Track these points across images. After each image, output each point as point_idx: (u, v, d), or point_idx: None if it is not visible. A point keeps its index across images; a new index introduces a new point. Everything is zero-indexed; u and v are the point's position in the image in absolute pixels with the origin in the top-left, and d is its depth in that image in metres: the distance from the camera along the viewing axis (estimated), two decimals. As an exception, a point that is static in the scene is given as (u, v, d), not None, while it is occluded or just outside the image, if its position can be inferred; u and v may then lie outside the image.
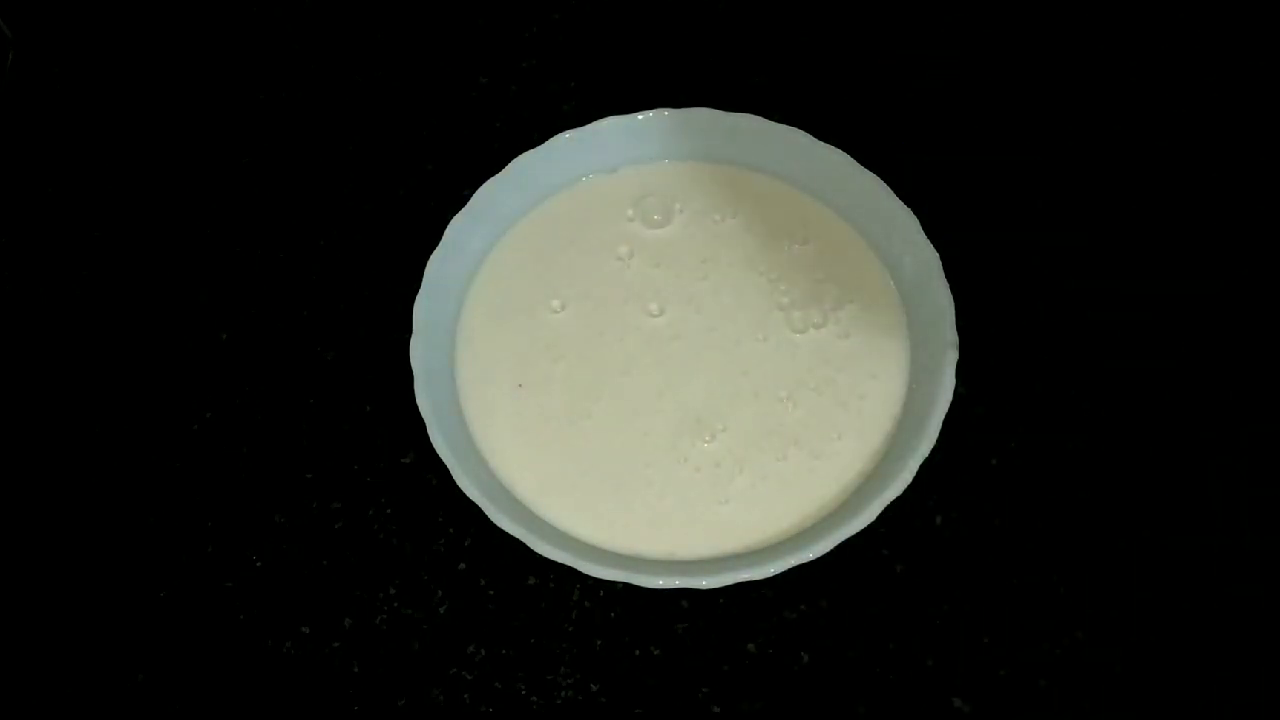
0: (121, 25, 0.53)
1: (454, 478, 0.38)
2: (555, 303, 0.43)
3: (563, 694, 0.38)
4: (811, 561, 0.36)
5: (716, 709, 0.38)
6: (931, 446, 0.38)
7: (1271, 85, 0.49)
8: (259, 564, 0.41)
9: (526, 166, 0.44)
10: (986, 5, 0.52)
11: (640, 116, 0.44)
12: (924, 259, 0.41)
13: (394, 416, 0.42)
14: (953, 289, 0.40)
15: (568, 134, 0.44)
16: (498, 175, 0.43)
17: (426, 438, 0.38)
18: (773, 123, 0.44)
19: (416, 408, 0.39)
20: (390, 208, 0.48)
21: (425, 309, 0.41)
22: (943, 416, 0.38)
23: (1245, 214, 0.46)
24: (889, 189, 0.42)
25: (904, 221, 0.42)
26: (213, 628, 0.40)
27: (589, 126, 0.44)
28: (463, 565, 0.41)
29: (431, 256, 0.42)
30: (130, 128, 0.51)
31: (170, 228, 0.48)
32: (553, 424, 0.41)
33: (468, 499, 0.37)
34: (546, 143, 0.44)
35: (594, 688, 0.38)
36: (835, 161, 0.43)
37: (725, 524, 0.39)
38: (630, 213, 0.45)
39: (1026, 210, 0.47)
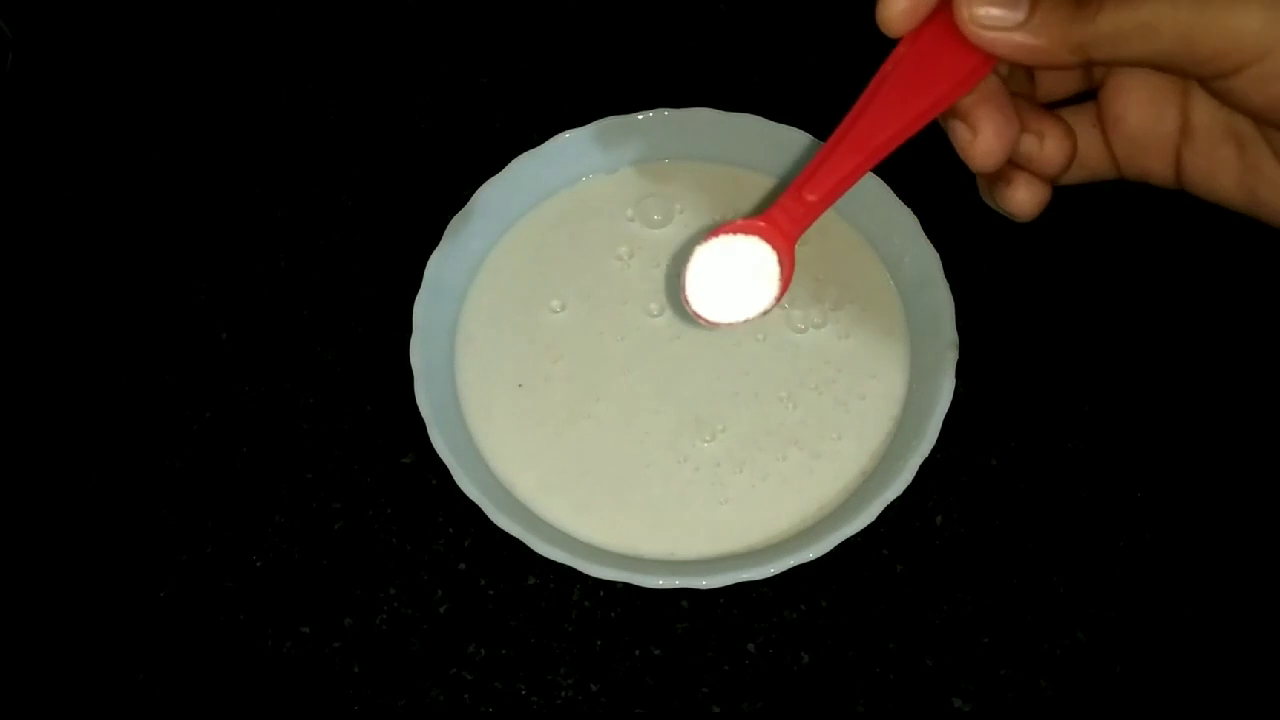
0: (121, 25, 0.54)
1: (454, 478, 0.38)
2: (555, 303, 0.43)
3: (563, 694, 0.38)
4: (811, 561, 0.36)
5: (716, 709, 0.38)
6: (931, 446, 0.38)
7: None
8: (259, 564, 0.41)
9: (526, 166, 0.44)
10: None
11: (640, 116, 0.44)
12: (924, 259, 0.41)
13: (394, 416, 0.42)
14: (953, 289, 0.40)
15: (568, 134, 0.44)
16: (498, 175, 0.43)
17: (426, 438, 0.38)
18: (773, 123, 0.44)
19: (416, 408, 0.39)
20: (390, 208, 0.48)
21: (425, 309, 0.41)
22: (943, 416, 0.38)
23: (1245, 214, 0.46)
24: (889, 189, 0.42)
25: (904, 221, 0.42)
26: (213, 628, 0.40)
27: (589, 126, 0.44)
28: (463, 565, 0.41)
29: (431, 256, 0.42)
30: (130, 128, 0.51)
31: (170, 228, 0.48)
32: (553, 424, 0.41)
33: (468, 499, 0.37)
34: (546, 143, 0.44)
35: (594, 688, 0.38)
36: (835, 161, 0.43)
37: (725, 524, 0.39)
38: (630, 213, 0.45)
39: (1026, 210, 0.47)
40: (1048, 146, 0.27)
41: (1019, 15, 0.23)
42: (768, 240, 0.30)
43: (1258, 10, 0.21)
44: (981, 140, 0.26)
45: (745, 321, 0.31)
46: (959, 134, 0.27)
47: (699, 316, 0.32)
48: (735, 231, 0.30)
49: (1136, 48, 0.23)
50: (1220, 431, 0.42)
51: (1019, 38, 0.24)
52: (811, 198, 0.30)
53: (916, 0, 0.25)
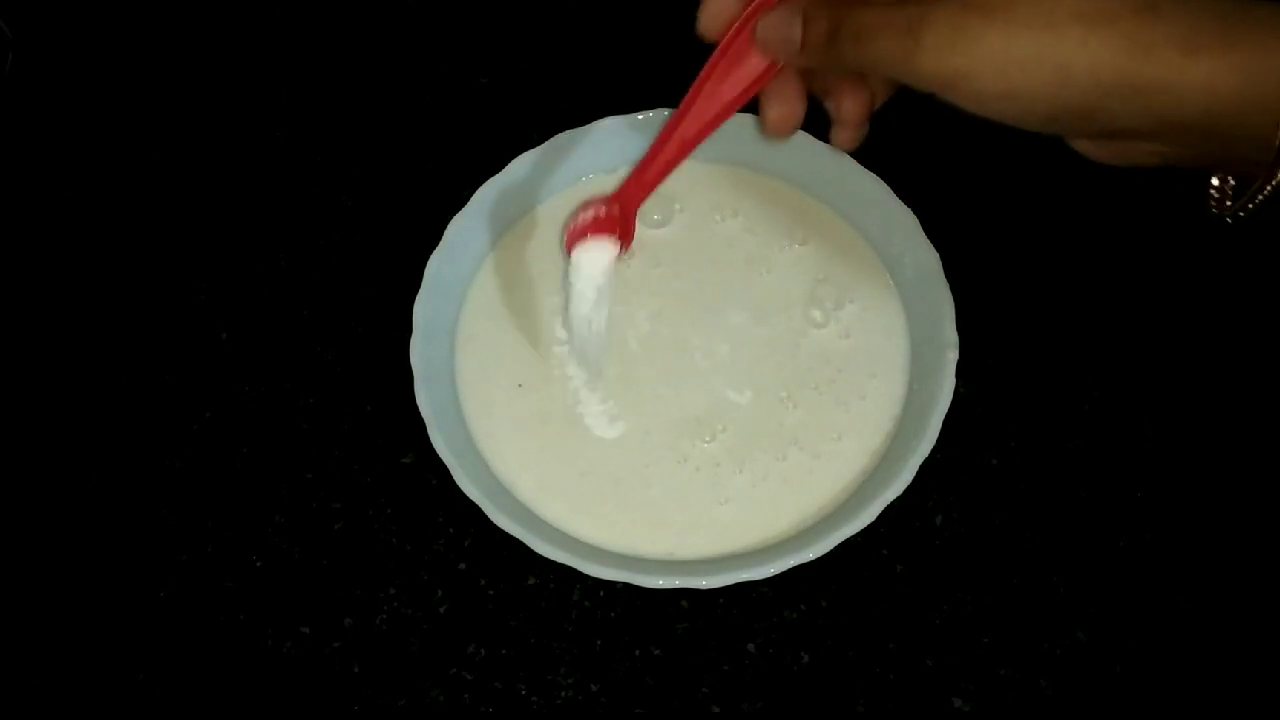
0: (121, 25, 0.53)
1: (454, 478, 0.38)
2: (555, 303, 0.43)
3: (563, 694, 0.38)
4: (811, 561, 0.36)
5: (716, 709, 0.38)
6: (931, 446, 0.38)
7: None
8: (259, 564, 0.41)
9: (526, 166, 0.44)
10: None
11: (640, 116, 0.44)
12: (924, 259, 0.41)
13: (394, 416, 0.42)
14: (953, 289, 0.40)
15: (568, 134, 0.44)
16: (498, 175, 0.43)
17: (426, 438, 0.38)
18: (773, 123, 0.44)
19: (416, 408, 0.39)
20: (390, 208, 0.48)
21: (425, 309, 0.41)
22: (943, 416, 0.38)
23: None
24: (889, 189, 0.42)
25: (904, 221, 0.42)
26: (213, 628, 0.40)
27: (589, 126, 0.44)
28: (463, 565, 0.41)
29: (431, 256, 0.42)
30: (130, 128, 0.51)
31: (170, 228, 0.48)
32: (553, 424, 0.41)
33: (468, 499, 0.37)
34: (546, 143, 0.44)
35: (594, 688, 0.38)
36: (835, 161, 0.43)
37: (725, 524, 0.39)
38: (630, 213, 0.45)
39: (1026, 210, 0.47)
40: (845, 106, 0.34)
41: (795, 43, 0.32)
42: (608, 229, 0.38)
43: (933, 62, 0.29)
44: (769, 117, 0.34)
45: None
46: (760, 112, 0.35)
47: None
48: (589, 231, 0.38)
49: (875, 74, 0.31)
50: (1220, 431, 0.42)
51: (797, 57, 0.32)
52: (649, 178, 0.38)
53: (719, 13, 0.34)
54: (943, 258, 0.41)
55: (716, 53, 0.34)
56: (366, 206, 0.48)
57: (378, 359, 0.43)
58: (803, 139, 0.44)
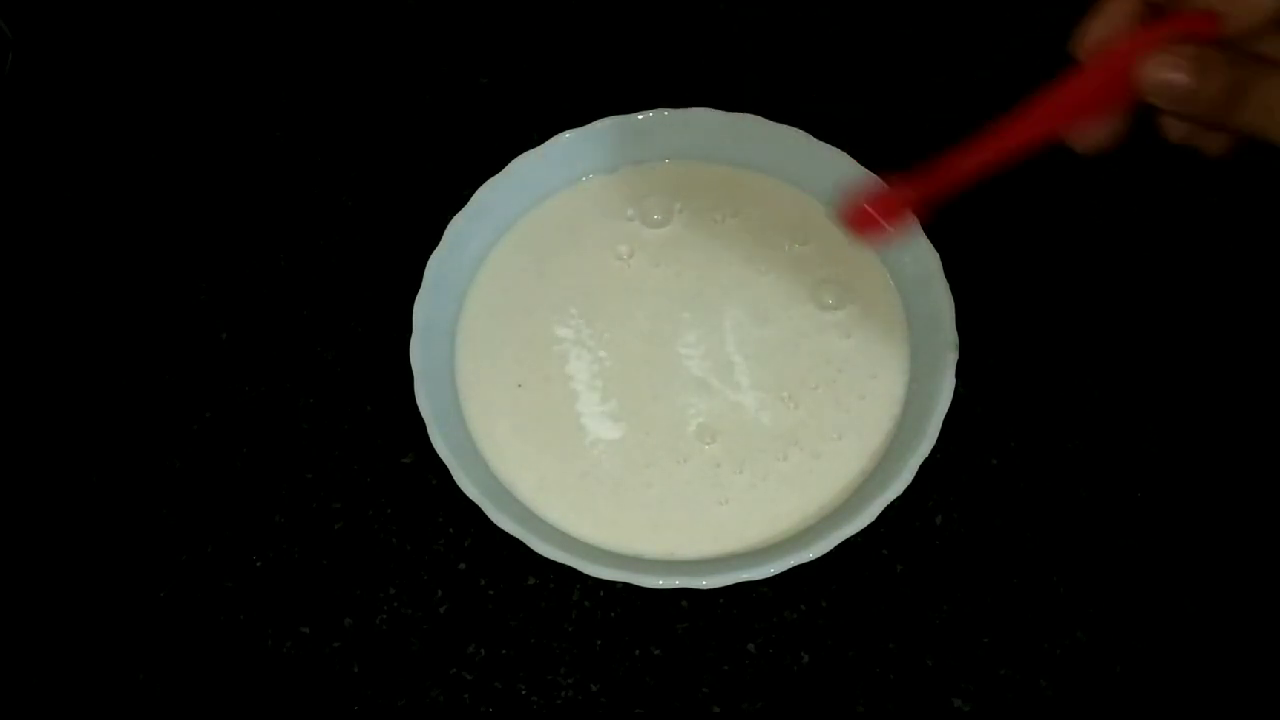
0: (121, 25, 0.54)
1: (454, 478, 0.38)
2: (555, 303, 0.43)
3: (563, 694, 0.38)
4: (811, 561, 0.36)
5: (716, 709, 0.38)
6: (931, 446, 0.38)
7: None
8: (259, 564, 0.41)
9: (526, 166, 0.44)
10: (986, 5, 0.52)
11: (640, 116, 0.45)
12: (924, 259, 0.41)
13: (394, 416, 0.42)
14: (953, 289, 0.40)
15: (568, 134, 0.44)
16: (498, 175, 0.43)
17: (426, 438, 0.38)
18: (773, 123, 0.44)
19: (416, 408, 0.39)
20: (390, 208, 0.48)
21: (425, 309, 0.41)
22: (943, 416, 0.38)
23: (1245, 214, 0.46)
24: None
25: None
26: (213, 628, 0.40)
27: (589, 126, 0.44)
28: (463, 565, 0.41)
29: (431, 256, 0.42)
30: (130, 128, 0.51)
31: (170, 227, 0.48)
32: (553, 424, 0.41)
33: (468, 499, 0.37)
34: (546, 143, 0.44)
35: (594, 688, 0.38)
36: (835, 161, 0.43)
37: (725, 524, 0.39)
38: (630, 213, 0.45)
39: (1026, 210, 0.47)
40: (1211, 146, 0.31)
41: (1187, 92, 0.28)
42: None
43: None
44: (1090, 139, 0.31)
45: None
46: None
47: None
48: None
49: (1261, 138, 0.28)
50: (1220, 431, 0.42)
51: (1183, 106, 0.29)
52: (950, 176, 0.34)
53: (1102, 35, 0.30)
54: (943, 258, 0.41)
55: (1078, 72, 0.30)
56: (366, 206, 0.48)
57: (378, 359, 0.43)
58: (802, 138, 0.44)
